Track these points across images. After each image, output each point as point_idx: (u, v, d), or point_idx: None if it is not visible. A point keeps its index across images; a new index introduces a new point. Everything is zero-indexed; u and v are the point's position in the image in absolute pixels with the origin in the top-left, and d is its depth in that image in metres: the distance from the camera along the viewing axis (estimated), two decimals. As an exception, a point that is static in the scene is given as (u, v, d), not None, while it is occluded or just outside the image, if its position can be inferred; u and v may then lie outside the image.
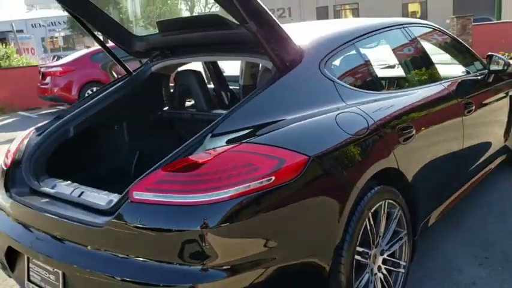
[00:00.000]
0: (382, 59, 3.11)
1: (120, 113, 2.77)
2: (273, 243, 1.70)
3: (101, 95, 2.69)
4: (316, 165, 1.81)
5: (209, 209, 1.60)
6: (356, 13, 33.71)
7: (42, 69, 10.45)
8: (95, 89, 9.96)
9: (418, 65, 2.94)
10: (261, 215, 1.67)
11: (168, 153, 1.81)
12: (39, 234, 2.00)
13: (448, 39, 3.51)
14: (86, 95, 9.96)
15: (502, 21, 15.68)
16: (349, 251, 1.91)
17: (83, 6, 2.50)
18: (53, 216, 1.94)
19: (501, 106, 3.56)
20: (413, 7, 33.52)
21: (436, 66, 2.99)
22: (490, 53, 3.47)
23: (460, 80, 3.10)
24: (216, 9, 42.47)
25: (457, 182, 3.01)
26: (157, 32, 2.58)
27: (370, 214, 2.03)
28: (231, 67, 3.86)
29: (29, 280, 2.06)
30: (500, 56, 3.51)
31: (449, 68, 3.33)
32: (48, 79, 10.12)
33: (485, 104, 3.25)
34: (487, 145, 3.35)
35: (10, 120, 10.19)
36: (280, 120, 1.91)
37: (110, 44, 2.91)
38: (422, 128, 2.46)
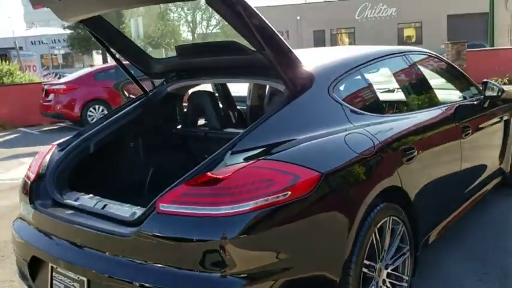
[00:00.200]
0: (386, 84, 3.28)
1: (137, 130, 2.91)
2: (288, 255, 1.82)
3: (120, 113, 2.84)
4: (328, 182, 1.95)
5: (230, 220, 1.73)
6: (352, 37, 34.31)
7: (45, 87, 10.60)
8: (97, 107, 10.14)
9: (419, 90, 3.12)
10: (277, 227, 1.80)
11: (182, 169, 1.93)
12: (64, 243, 2.11)
13: (445, 66, 3.70)
14: (89, 112, 10.11)
15: (495, 47, 16.10)
16: (358, 264, 2.03)
17: (106, 29, 2.68)
18: (79, 227, 2.06)
19: (496, 130, 3.73)
20: (409, 32, 34.17)
21: (435, 91, 3.17)
22: (485, 80, 3.64)
23: (457, 105, 3.27)
24: (217, 30, 43.18)
25: (455, 201, 3.15)
26: (174, 55, 2.76)
27: (376, 229, 2.16)
28: (234, 88, 4.01)
29: None
30: (494, 82, 3.69)
31: (447, 93, 3.52)
32: (51, 96, 10.28)
33: (482, 128, 3.41)
34: (483, 167, 3.51)
35: (11, 136, 10.27)
36: (293, 139, 2.05)
37: (125, 62, 3.05)
38: (424, 150, 2.62)
